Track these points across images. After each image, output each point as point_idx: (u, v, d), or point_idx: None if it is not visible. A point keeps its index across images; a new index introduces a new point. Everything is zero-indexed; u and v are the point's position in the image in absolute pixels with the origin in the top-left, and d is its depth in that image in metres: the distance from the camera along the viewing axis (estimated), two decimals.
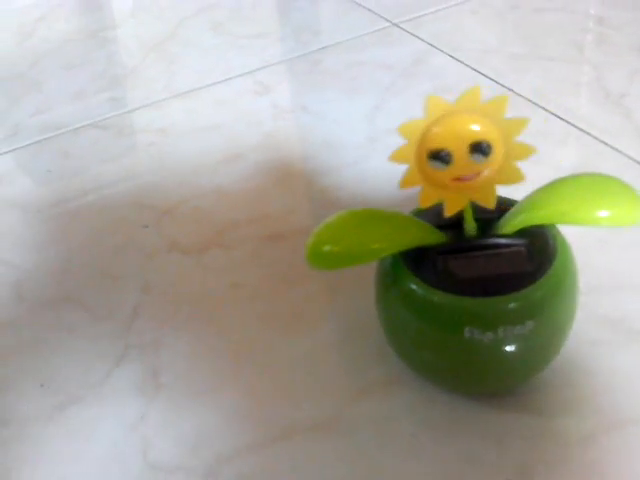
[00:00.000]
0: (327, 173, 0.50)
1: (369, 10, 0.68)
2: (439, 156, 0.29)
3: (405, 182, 0.30)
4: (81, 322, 0.41)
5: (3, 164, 0.55)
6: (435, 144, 0.29)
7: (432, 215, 0.33)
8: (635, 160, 0.47)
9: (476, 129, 0.29)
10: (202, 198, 0.49)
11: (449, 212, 0.31)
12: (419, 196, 0.31)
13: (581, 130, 0.50)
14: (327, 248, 0.31)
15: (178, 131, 0.56)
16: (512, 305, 0.29)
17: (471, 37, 0.62)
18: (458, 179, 0.30)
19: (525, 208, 0.32)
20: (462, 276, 0.31)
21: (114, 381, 0.37)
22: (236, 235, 0.46)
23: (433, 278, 0.31)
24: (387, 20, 0.66)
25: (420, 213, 0.34)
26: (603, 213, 0.31)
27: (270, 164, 0.51)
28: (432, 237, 0.32)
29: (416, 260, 0.32)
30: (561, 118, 0.51)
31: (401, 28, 0.65)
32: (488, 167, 0.30)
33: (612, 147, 0.48)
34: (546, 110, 0.52)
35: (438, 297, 0.30)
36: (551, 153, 0.48)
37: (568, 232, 0.37)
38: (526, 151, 0.30)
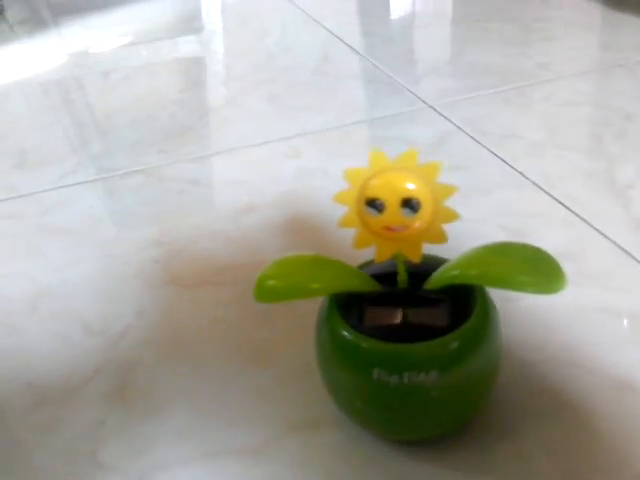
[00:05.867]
0: (331, 231, 0.53)
1: (411, 92, 0.73)
2: (374, 204, 0.32)
3: (343, 222, 0.34)
4: (76, 335, 0.46)
5: (56, 196, 0.62)
6: (372, 193, 0.32)
7: (376, 267, 0.36)
8: (621, 248, 0.48)
9: (409, 186, 0.32)
10: (211, 241, 0.54)
11: (378, 258, 0.34)
12: (354, 238, 0.34)
13: (576, 215, 0.51)
14: (271, 283, 0.35)
15: (208, 183, 0.62)
16: (416, 352, 0.31)
17: (498, 123, 0.65)
18: (388, 228, 0.33)
19: (454, 267, 0.34)
20: (380, 323, 0.33)
21: (88, 389, 0.42)
22: (231, 276, 0.50)
23: (356, 322, 0.34)
24: (424, 102, 0.70)
25: (367, 265, 0.37)
26: (525, 279, 0.32)
27: (281, 218, 0.56)
28: (367, 285, 0.35)
29: (348, 304, 0.35)
30: (560, 202, 0.53)
31: (435, 110, 0.68)
32: (416, 223, 0.32)
33: (602, 233, 0.49)
34: (549, 194, 0.54)
35: (353, 337, 0.32)
36: (539, 232, 0.50)
37: (541, 303, 0.40)
38: (451, 216, 0.33)
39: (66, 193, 0.63)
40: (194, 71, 0.91)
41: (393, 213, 0.32)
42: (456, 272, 0.34)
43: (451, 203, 0.55)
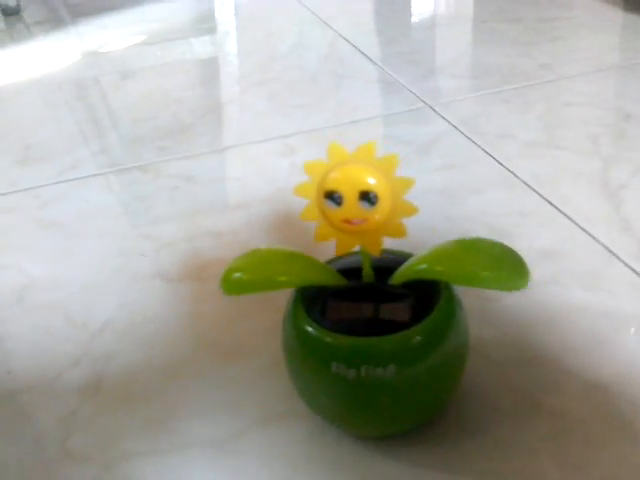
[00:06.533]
0: None
1: (411, 92, 0.72)
2: (332, 197, 0.32)
3: (304, 215, 0.34)
4: (57, 326, 0.46)
5: (53, 191, 0.63)
6: (330, 185, 0.32)
7: (344, 262, 0.36)
8: (608, 248, 0.47)
9: (366, 179, 0.32)
10: (200, 237, 0.54)
11: (338, 252, 0.34)
12: (315, 231, 0.34)
13: (564, 215, 0.50)
14: (237, 275, 0.35)
15: (203, 180, 0.62)
16: (373, 346, 0.31)
17: (494, 123, 0.64)
18: (347, 221, 0.32)
19: (419, 261, 0.34)
20: (341, 317, 0.33)
21: (63, 380, 0.42)
22: (216, 271, 0.49)
23: (318, 315, 0.34)
24: (423, 102, 0.70)
25: (338, 259, 0.37)
26: (487, 273, 0.32)
27: (271, 215, 0.56)
28: (333, 279, 0.35)
29: (312, 298, 0.35)
30: (550, 202, 0.52)
31: (433, 110, 0.68)
32: (375, 216, 0.32)
33: (589, 233, 0.48)
34: (539, 194, 0.53)
35: (312, 330, 0.32)
36: (526, 232, 0.49)
37: (522, 303, 0.40)
38: (410, 210, 0.32)
39: (64, 188, 0.63)
40: (202, 70, 0.92)
41: (351, 206, 0.32)
42: (419, 267, 0.33)
43: (439, 201, 0.55)
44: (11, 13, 1.15)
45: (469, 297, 0.42)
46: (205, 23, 1.07)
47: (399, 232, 0.32)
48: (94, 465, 0.36)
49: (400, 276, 0.34)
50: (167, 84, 0.85)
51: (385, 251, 0.36)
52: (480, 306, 0.43)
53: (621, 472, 0.34)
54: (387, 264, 0.36)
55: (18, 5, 1.15)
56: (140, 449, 0.37)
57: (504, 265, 0.32)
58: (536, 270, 0.46)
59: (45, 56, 0.96)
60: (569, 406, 0.37)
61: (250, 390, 0.40)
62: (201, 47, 1.01)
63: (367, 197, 0.32)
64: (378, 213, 0.32)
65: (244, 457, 0.36)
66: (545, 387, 0.38)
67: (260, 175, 0.61)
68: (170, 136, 0.71)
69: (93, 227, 0.57)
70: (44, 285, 0.51)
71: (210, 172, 0.64)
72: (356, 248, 0.35)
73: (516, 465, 0.34)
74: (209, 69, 0.92)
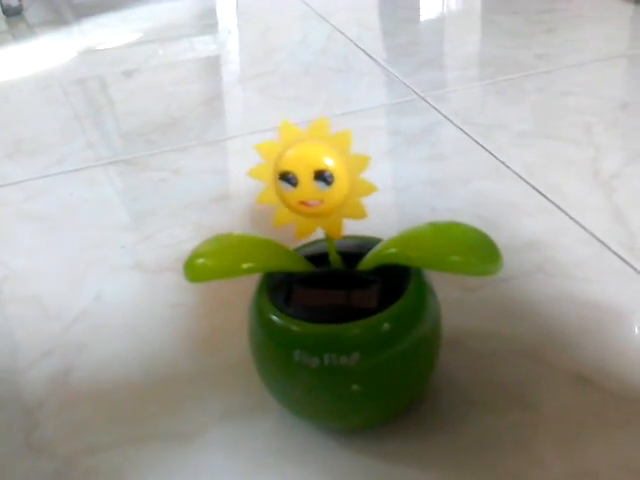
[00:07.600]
0: None
1: (404, 84, 0.71)
2: (286, 178, 0.31)
3: (261, 198, 0.32)
4: (31, 318, 0.45)
5: (37, 185, 0.62)
6: (284, 166, 0.31)
7: (316, 248, 0.35)
8: (597, 237, 0.45)
9: (321, 158, 0.30)
10: (180, 229, 0.53)
11: (298, 236, 0.32)
12: (274, 215, 0.33)
13: (554, 204, 0.49)
14: (200, 261, 0.34)
15: (189, 172, 0.61)
16: (336, 333, 0.30)
17: (487, 113, 0.63)
18: (303, 203, 0.31)
19: (388, 245, 0.32)
20: (306, 304, 0.32)
21: (33, 372, 0.41)
22: None
23: (282, 302, 0.32)
24: (416, 93, 0.68)
25: (309, 246, 0.36)
26: (456, 258, 0.31)
27: (253, 206, 0.55)
28: (299, 265, 0.34)
29: (278, 284, 0.33)
30: (539, 192, 0.50)
31: (426, 101, 0.67)
32: (331, 197, 0.31)
33: (578, 222, 0.47)
34: (529, 184, 0.52)
35: (275, 317, 0.31)
36: (514, 222, 0.48)
37: (504, 293, 0.39)
38: (368, 189, 0.31)
39: (50, 181, 0.63)
40: (199, 65, 0.91)
41: (307, 187, 0.30)
42: (388, 251, 0.32)
43: (427, 191, 0.54)
44: (13, 13, 1.15)
45: (449, 286, 0.41)
46: (206, 20, 1.07)
47: (358, 213, 0.31)
48: (56, 458, 0.35)
49: (369, 261, 0.33)
50: (164, 79, 0.84)
51: (356, 237, 0.35)
52: (461, 296, 0.42)
53: (602, 465, 0.32)
54: (359, 250, 0.34)
55: (20, 5, 1.15)
56: (104, 442, 0.36)
57: (475, 249, 0.31)
58: (523, 260, 0.45)
59: (46, 54, 0.96)
60: (550, 399, 0.35)
61: (219, 383, 0.39)
62: (201, 43, 1.00)
63: (322, 177, 0.30)
64: (335, 193, 0.31)
65: (211, 450, 0.35)
66: (526, 379, 0.36)
67: (246, 167, 0.60)
68: (159, 129, 0.70)
69: (76, 220, 0.56)
70: (23, 277, 0.50)
71: (197, 164, 0.63)
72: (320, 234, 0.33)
73: (492, 460, 0.33)
74: (206, 64, 0.91)
